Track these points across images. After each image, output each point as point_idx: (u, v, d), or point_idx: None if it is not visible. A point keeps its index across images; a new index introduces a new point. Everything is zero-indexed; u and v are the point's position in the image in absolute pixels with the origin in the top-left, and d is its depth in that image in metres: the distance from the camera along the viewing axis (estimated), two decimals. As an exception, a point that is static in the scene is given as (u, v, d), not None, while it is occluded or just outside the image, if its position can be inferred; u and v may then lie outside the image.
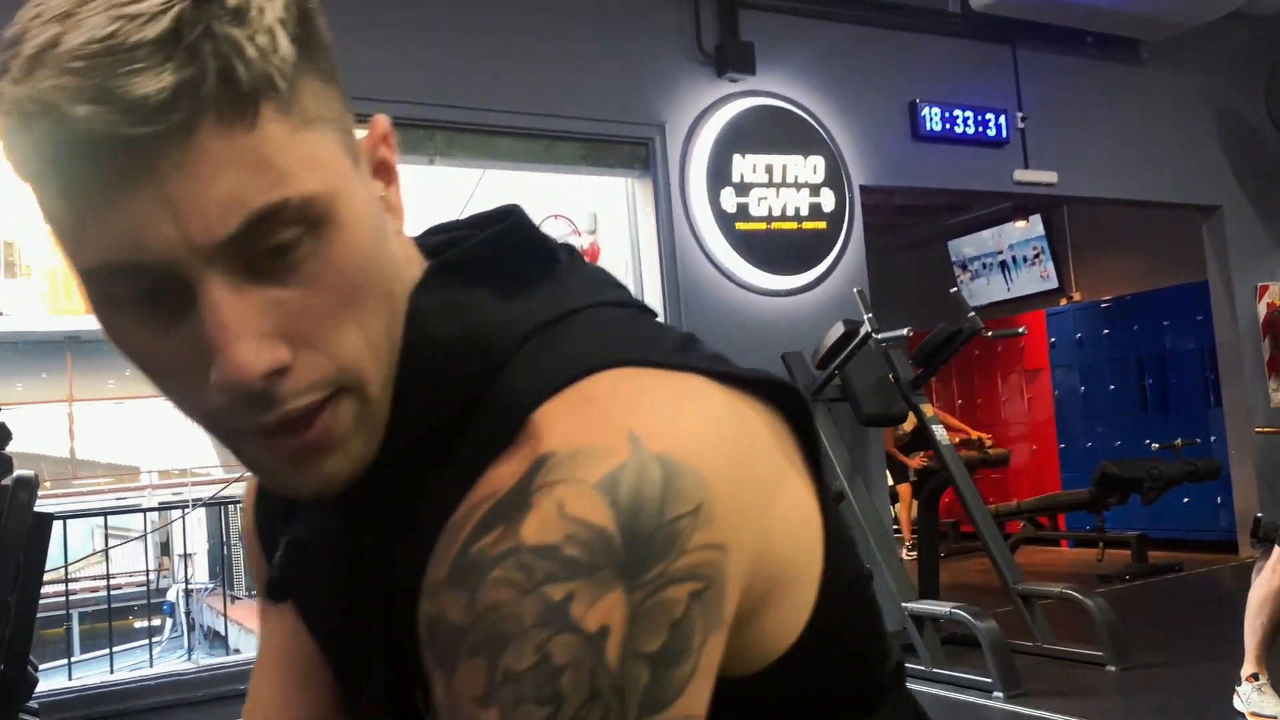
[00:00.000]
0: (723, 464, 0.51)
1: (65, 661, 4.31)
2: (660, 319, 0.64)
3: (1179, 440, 6.29)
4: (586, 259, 0.66)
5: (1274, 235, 6.51)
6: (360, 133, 0.57)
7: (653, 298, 4.62)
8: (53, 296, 10.61)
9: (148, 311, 0.51)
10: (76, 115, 0.46)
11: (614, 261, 5.01)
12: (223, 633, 8.59)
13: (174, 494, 9.98)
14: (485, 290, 0.59)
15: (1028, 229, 8.59)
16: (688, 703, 0.49)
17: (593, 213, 5.49)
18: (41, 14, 0.48)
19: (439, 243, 0.64)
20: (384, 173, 0.59)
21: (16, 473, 2.39)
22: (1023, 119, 5.60)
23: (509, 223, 0.62)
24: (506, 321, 0.57)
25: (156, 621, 8.76)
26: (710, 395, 0.54)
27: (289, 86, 0.50)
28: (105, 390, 11.24)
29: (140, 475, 10.81)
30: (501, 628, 0.47)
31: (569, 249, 0.65)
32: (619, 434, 0.50)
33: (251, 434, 0.54)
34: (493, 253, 0.61)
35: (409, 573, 0.55)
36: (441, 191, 4.86)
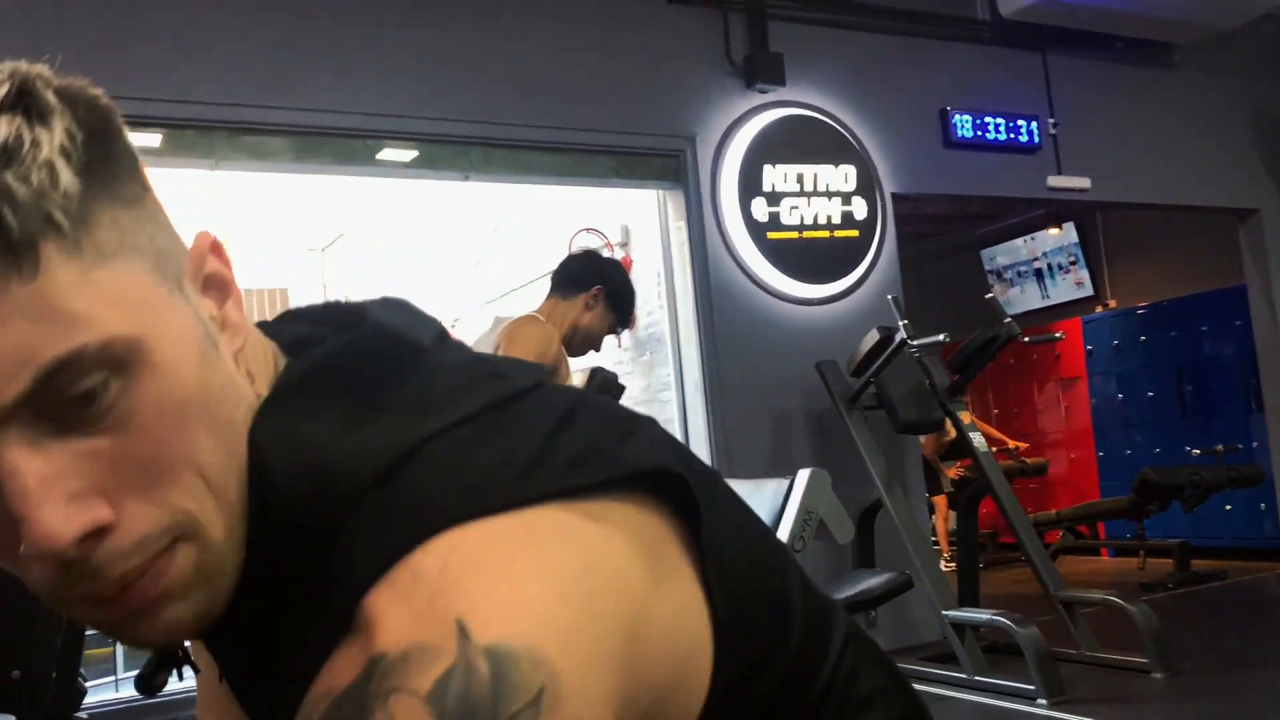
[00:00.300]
0: (566, 627, 0.47)
1: (113, 678, 4.37)
2: (544, 391, 0.57)
3: (1220, 446, 6.21)
4: (454, 343, 0.61)
5: (1314, 238, 6.44)
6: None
7: (685, 308, 4.64)
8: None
9: None
10: None
11: (646, 273, 5.04)
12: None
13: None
14: (329, 419, 0.53)
15: (1061, 236, 8.53)
16: None
17: (625, 225, 5.52)
18: None
19: (297, 337, 0.59)
20: (217, 287, 0.55)
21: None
22: (1054, 125, 5.58)
23: (359, 333, 0.58)
24: (347, 465, 0.51)
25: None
26: (554, 536, 0.49)
27: (76, 223, 0.46)
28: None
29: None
30: None
31: (439, 334, 0.61)
32: (447, 627, 0.45)
33: (84, 602, 0.49)
34: (338, 370, 0.55)
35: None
36: (476, 204, 4.91)
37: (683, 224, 4.66)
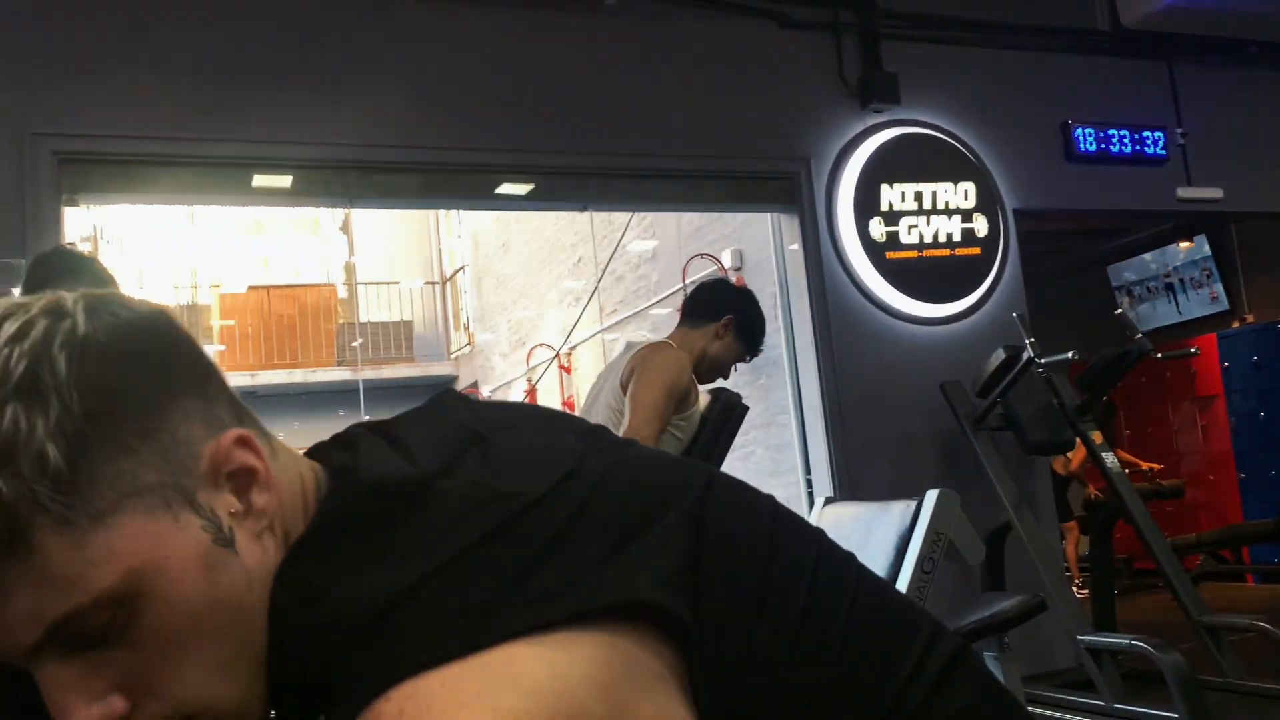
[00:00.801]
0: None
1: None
2: (551, 501, 0.61)
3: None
4: (471, 458, 0.64)
5: None
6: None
7: (803, 332, 4.62)
8: (231, 355, 11.28)
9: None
10: None
11: (760, 296, 5.05)
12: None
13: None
14: (330, 569, 0.59)
15: (1192, 250, 8.22)
16: None
17: (738, 249, 5.55)
18: None
19: (339, 466, 0.67)
20: (240, 479, 0.61)
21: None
22: (1182, 135, 5.40)
23: (359, 479, 0.63)
24: (339, 616, 0.57)
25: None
26: (507, 677, 0.53)
27: (67, 498, 0.53)
28: (276, 443, 11.85)
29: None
30: None
31: (463, 444, 0.65)
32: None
33: None
34: (343, 520, 0.62)
35: None
36: (604, 235, 5.00)
37: (798, 246, 4.66)
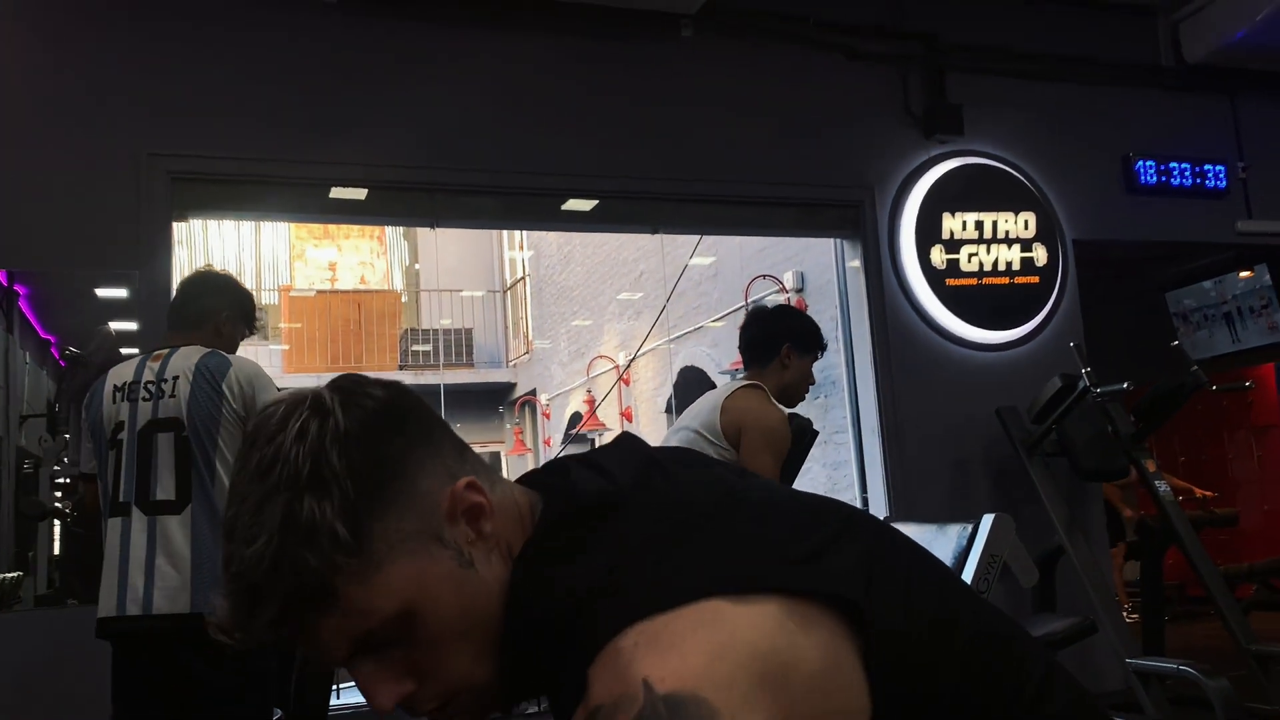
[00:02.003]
0: (721, 680, 0.66)
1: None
2: (713, 517, 0.79)
3: None
4: (659, 478, 0.84)
5: None
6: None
7: (862, 354, 4.77)
8: (293, 356, 11.62)
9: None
10: (239, 617, 0.76)
11: (820, 318, 5.20)
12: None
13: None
14: (555, 564, 0.80)
15: (1252, 279, 8.21)
16: None
17: (799, 271, 5.71)
18: (227, 516, 0.77)
19: (546, 485, 0.87)
20: (472, 515, 0.81)
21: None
22: (1244, 168, 5.47)
23: (563, 505, 0.83)
24: (567, 595, 0.77)
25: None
26: (712, 620, 0.70)
27: (355, 559, 0.75)
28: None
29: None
30: None
31: (644, 469, 0.85)
32: (637, 684, 0.67)
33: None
34: (558, 528, 0.82)
35: None
36: (668, 255, 5.18)
37: (860, 270, 4.81)
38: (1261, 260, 8.00)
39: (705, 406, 3.01)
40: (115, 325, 3.82)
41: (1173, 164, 5.28)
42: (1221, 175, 5.37)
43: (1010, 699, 0.79)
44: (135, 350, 3.69)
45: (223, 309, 2.73)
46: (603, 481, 0.84)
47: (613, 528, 0.80)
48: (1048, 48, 5.16)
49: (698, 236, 5.18)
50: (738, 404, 2.94)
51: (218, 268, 3.26)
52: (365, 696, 0.79)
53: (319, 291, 11.72)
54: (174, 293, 2.93)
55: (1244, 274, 8.19)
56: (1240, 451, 8.20)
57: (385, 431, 0.79)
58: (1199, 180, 5.33)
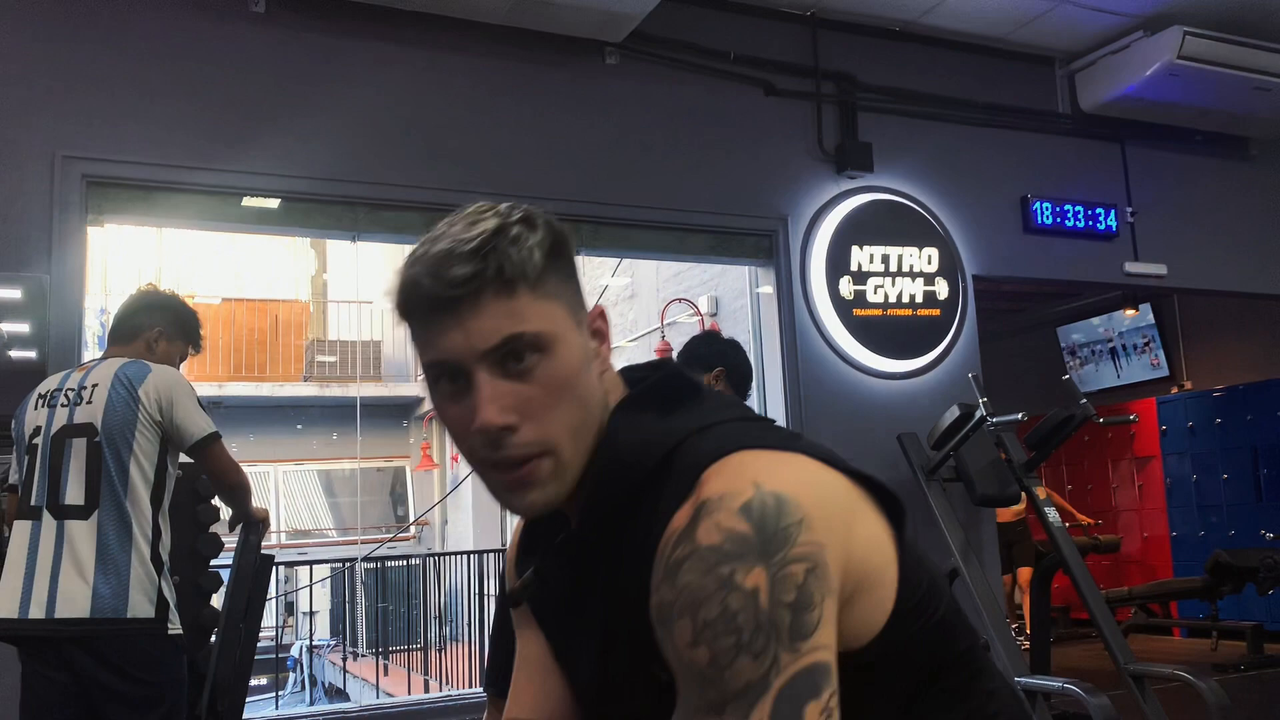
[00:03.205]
0: (814, 499, 0.82)
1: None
2: (775, 423, 0.99)
3: (1295, 531, 6.27)
4: (718, 389, 1.02)
5: (1393, 328, 6.52)
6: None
7: (773, 378, 4.92)
8: (193, 364, 11.32)
9: (449, 391, 0.91)
10: (423, 286, 0.89)
11: (736, 331, 5.33)
12: (343, 687, 8.96)
13: (298, 554, 10.50)
14: (651, 414, 0.94)
15: (1137, 317, 8.66)
16: (819, 637, 0.79)
17: (715, 296, 5.84)
18: (427, 239, 0.92)
19: (631, 377, 1.01)
20: (598, 336, 0.97)
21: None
22: (1132, 213, 5.79)
23: (665, 372, 1.00)
24: (664, 434, 0.92)
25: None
26: (806, 464, 0.86)
27: (535, 279, 0.89)
28: (231, 454, 11.89)
29: (270, 535, 11.36)
30: (695, 596, 0.79)
31: (708, 386, 1.02)
32: (748, 481, 0.82)
33: (489, 466, 0.91)
34: (654, 392, 0.97)
35: (625, 587, 0.89)
36: (584, 271, 5.25)
37: (773, 298, 4.95)
38: (1145, 300, 8.45)
39: None
40: (7, 327, 3.72)
41: (1067, 206, 5.56)
42: (1112, 218, 5.67)
43: (968, 657, 0.96)
44: (32, 354, 3.64)
45: (156, 325, 2.75)
46: (689, 372, 1.02)
47: (694, 404, 0.96)
48: (954, 92, 5.40)
49: (621, 261, 5.28)
50: None
51: (162, 286, 3.25)
52: (476, 409, 0.88)
53: (224, 299, 11.48)
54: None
55: (1129, 312, 8.64)
56: (1123, 481, 8.61)
57: (569, 254, 0.97)
58: (1090, 223, 5.62)
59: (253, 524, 2.83)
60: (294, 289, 12.47)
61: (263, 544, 2.88)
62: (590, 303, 0.98)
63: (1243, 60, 5.21)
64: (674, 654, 0.81)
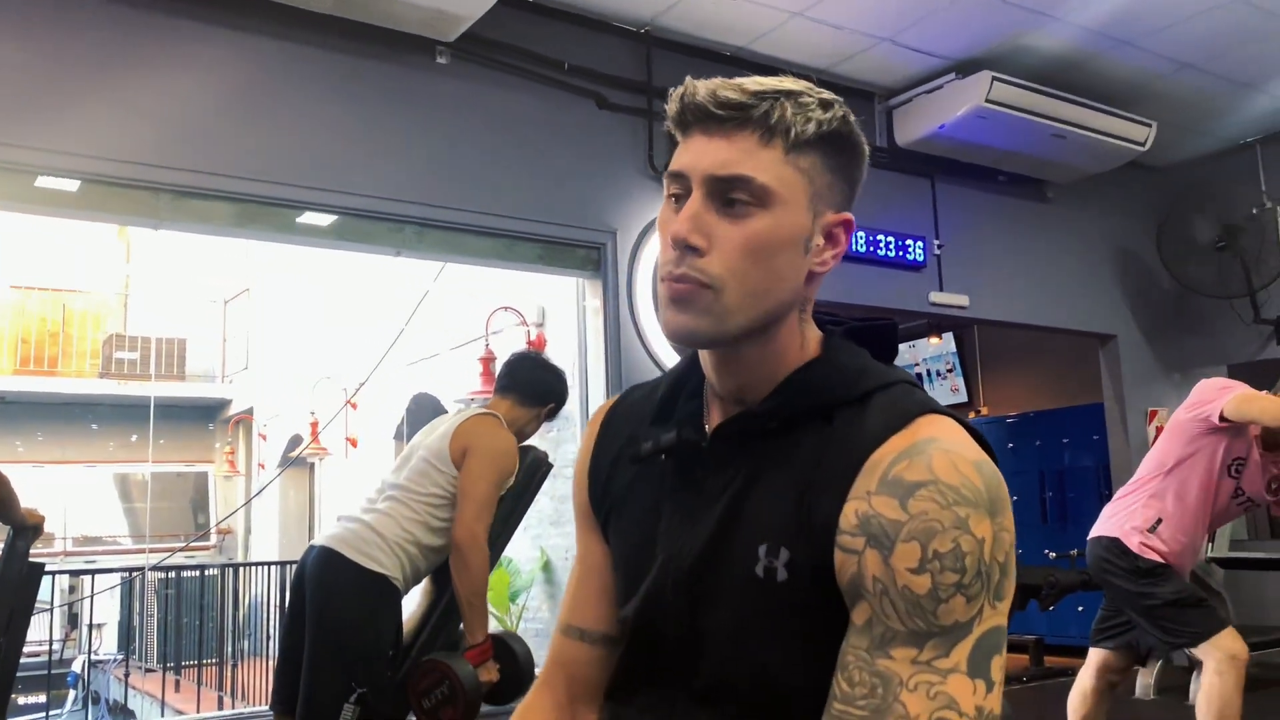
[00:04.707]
0: (1007, 495, 0.87)
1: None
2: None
3: (1074, 551, 6.70)
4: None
5: (1164, 364, 7.09)
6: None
7: (597, 388, 4.91)
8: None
9: (674, 202, 0.97)
10: (699, 97, 0.95)
11: (561, 352, 5.31)
12: (126, 704, 8.42)
13: (86, 561, 9.80)
14: (868, 352, 1.02)
15: (941, 345, 9.13)
16: (1007, 604, 0.85)
17: (541, 306, 5.80)
18: (698, 82, 0.98)
19: (834, 321, 1.09)
20: (829, 240, 1.01)
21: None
22: (939, 246, 6.09)
23: (878, 323, 1.07)
24: (881, 371, 0.98)
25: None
26: (963, 433, 0.92)
27: (798, 145, 0.94)
28: (14, 454, 11.04)
29: (54, 541, 10.58)
30: (931, 526, 0.83)
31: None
32: (972, 447, 0.88)
33: (665, 279, 0.95)
34: (874, 333, 1.06)
35: (799, 483, 0.92)
36: (406, 279, 5.12)
37: (599, 309, 4.95)
38: (949, 329, 8.92)
39: (436, 435, 3.01)
40: None
41: (880, 236, 5.79)
42: (921, 249, 5.95)
43: None
44: None
45: None
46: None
47: (898, 369, 1.03)
48: (780, 118, 5.54)
49: (441, 263, 5.16)
50: (469, 428, 2.97)
51: None
52: (680, 222, 0.94)
53: (13, 287, 10.64)
54: None
55: (934, 340, 9.10)
56: (923, 501, 9.01)
57: (848, 161, 1.02)
58: (901, 253, 5.87)
59: (23, 529, 2.59)
60: (96, 280, 11.68)
61: (35, 551, 2.64)
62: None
63: (1044, 109, 5.57)
64: (880, 571, 0.83)
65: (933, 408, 0.92)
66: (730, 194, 0.93)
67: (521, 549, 5.89)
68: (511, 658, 2.98)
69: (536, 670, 2.36)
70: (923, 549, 0.82)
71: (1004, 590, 0.84)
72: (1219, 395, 3.31)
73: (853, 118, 0.98)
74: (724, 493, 0.96)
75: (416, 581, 3.01)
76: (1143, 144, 5.99)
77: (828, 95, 0.97)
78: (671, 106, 0.98)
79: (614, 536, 1.09)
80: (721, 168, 0.93)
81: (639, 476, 1.07)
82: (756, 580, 0.90)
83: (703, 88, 0.95)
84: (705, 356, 1.03)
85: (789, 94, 0.94)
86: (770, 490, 0.94)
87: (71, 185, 3.86)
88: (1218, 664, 3.28)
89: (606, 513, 1.10)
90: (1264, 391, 3.41)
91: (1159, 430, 6.94)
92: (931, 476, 0.84)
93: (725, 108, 0.94)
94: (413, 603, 3.13)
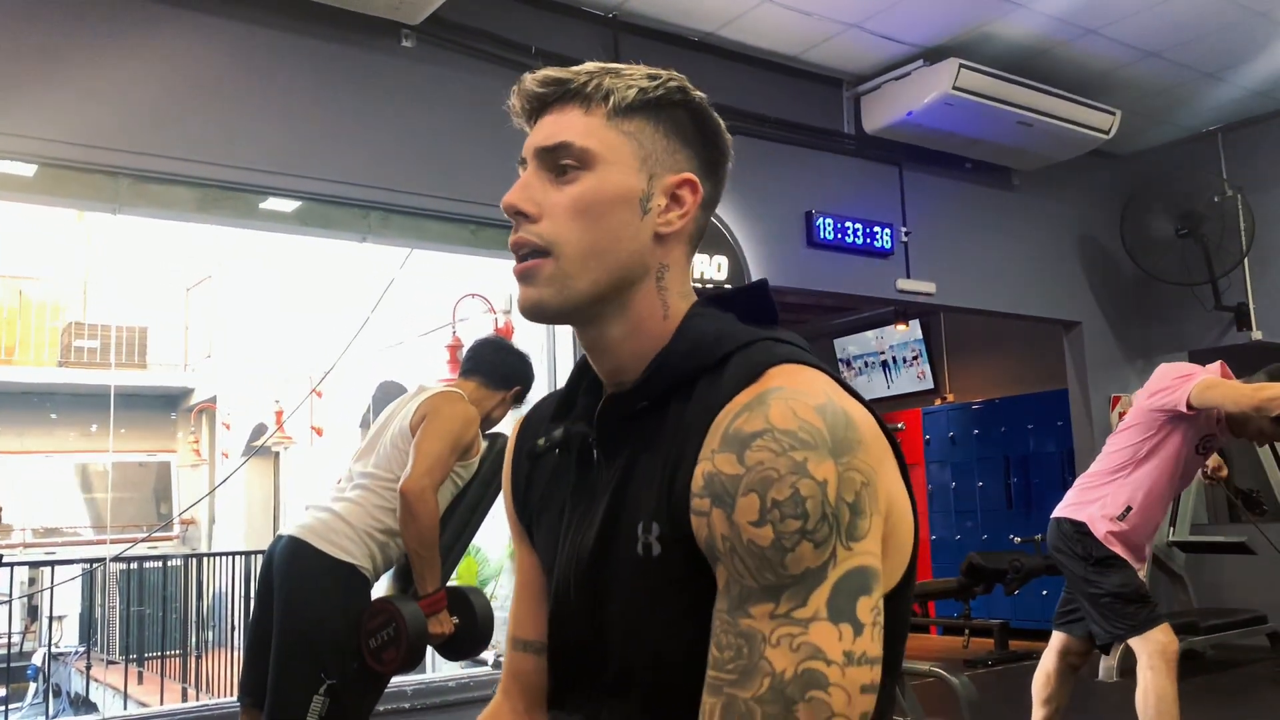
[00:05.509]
0: (872, 432, 0.85)
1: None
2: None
3: (1039, 536, 6.76)
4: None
5: (1127, 350, 7.16)
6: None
7: (565, 376, 4.88)
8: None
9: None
10: (525, 83, 0.99)
11: (529, 340, 5.27)
12: (88, 696, 8.31)
13: (46, 553, 9.66)
14: (731, 316, 0.98)
15: (907, 332, 9.17)
16: (868, 543, 0.81)
17: (509, 293, 5.75)
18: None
19: (706, 294, 1.06)
20: (675, 201, 0.98)
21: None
22: (906, 233, 6.11)
23: (752, 287, 1.03)
24: (742, 332, 0.95)
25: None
26: (860, 405, 0.87)
27: (619, 109, 0.96)
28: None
29: (12, 533, 10.43)
30: (767, 475, 0.80)
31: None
32: (819, 390, 0.85)
33: (512, 249, 0.97)
34: (744, 296, 1.02)
35: (665, 455, 0.90)
36: (372, 265, 5.06)
37: (565, 298, 4.91)
38: (915, 316, 8.96)
39: (399, 417, 2.98)
40: None
41: (847, 223, 5.80)
42: (888, 237, 5.96)
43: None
44: None
45: None
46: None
47: (778, 326, 1.00)
48: (749, 105, 5.52)
49: (408, 249, 5.12)
50: (430, 401, 2.94)
51: None
52: (512, 189, 0.97)
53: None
54: None
55: (901, 327, 9.14)
56: (890, 487, 9.07)
57: (686, 116, 1.03)
58: (869, 240, 5.88)
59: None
60: (54, 266, 11.48)
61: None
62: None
63: (1010, 96, 5.60)
64: (726, 529, 0.81)
65: (787, 358, 0.89)
66: (559, 162, 0.96)
67: (489, 537, 5.86)
68: (469, 611, 2.93)
69: (500, 631, 2.34)
70: (761, 500, 0.79)
71: (859, 530, 0.80)
72: (1181, 384, 3.34)
73: (693, 90, 1.01)
74: (612, 482, 0.95)
75: (386, 570, 2.98)
76: (1107, 132, 6.04)
77: (661, 71, 1.00)
78: (511, 101, 1.01)
79: (538, 543, 1.08)
80: (547, 139, 0.96)
81: (551, 480, 1.06)
82: (638, 560, 0.89)
83: (530, 76, 0.99)
84: (581, 343, 1.02)
85: (613, 70, 0.98)
86: (646, 470, 0.92)
87: (28, 170, 3.78)
88: (1149, 658, 3.35)
89: (529, 521, 1.10)
90: (1240, 379, 3.44)
91: (1122, 416, 7.02)
92: (767, 425, 0.81)
93: (547, 85, 0.98)
94: (380, 593, 3.10)
